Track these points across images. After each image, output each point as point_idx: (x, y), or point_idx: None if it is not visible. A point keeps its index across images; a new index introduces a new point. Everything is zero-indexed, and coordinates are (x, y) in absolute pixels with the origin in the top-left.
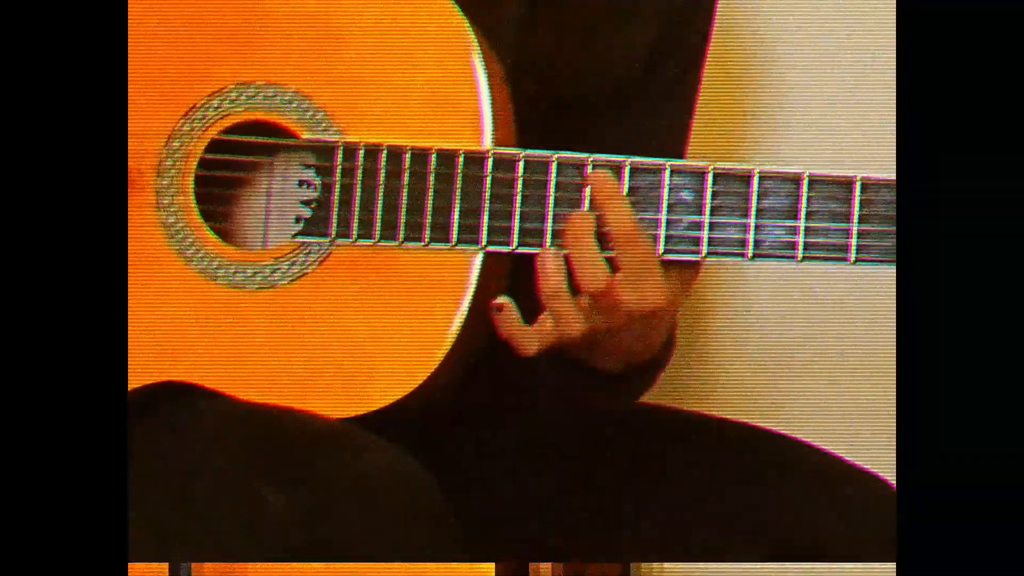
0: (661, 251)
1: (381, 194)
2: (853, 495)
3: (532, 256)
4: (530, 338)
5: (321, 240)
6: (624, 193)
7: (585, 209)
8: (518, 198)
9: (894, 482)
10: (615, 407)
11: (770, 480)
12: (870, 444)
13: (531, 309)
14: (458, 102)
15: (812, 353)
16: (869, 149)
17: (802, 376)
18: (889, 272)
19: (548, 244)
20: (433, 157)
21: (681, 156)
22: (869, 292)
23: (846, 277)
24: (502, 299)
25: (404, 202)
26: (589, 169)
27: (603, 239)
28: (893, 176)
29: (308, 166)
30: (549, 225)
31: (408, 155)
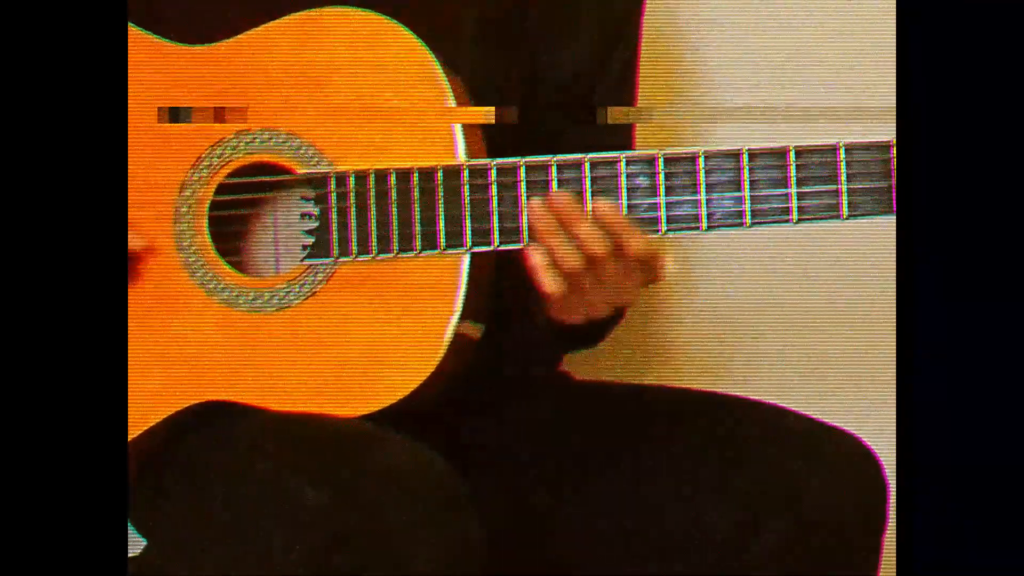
0: None
1: (373, 213)
2: (830, 455)
3: (515, 252)
4: (557, 281)
5: (326, 260)
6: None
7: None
8: (494, 201)
9: (894, 466)
10: (584, 347)
11: (748, 443)
12: (864, 416)
13: (520, 305)
14: (431, 123)
15: (798, 324)
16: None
17: (791, 349)
18: (880, 240)
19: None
20: (415, 175)
21: (630, 148)
22: (864, 272)
23: (836, 246)
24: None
25: (395, 218)
26: (553, 170)
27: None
28: (821, 143)
29: (307, 199)
30: (524, 223)
31: (393, 176)
